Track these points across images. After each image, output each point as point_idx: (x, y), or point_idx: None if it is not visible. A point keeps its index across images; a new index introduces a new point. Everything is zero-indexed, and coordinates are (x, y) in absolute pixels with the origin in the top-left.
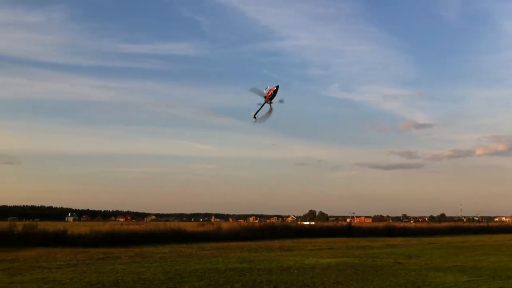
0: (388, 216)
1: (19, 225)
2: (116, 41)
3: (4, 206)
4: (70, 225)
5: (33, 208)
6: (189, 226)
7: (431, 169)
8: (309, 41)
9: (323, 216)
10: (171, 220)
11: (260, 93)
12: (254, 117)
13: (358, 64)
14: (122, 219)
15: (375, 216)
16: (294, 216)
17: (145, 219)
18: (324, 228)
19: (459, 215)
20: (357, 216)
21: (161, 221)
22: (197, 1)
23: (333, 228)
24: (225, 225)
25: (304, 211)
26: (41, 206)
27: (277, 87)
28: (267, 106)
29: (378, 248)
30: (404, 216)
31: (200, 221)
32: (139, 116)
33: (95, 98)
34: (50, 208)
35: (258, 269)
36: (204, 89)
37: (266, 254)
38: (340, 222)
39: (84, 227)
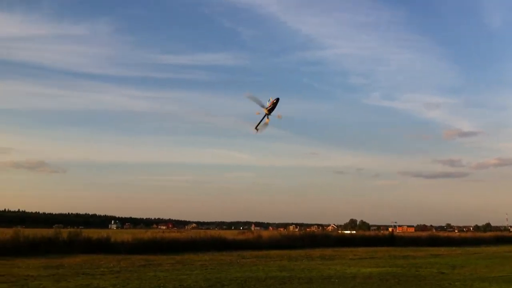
0: (431, 226)
1: (64, 232)
2: (158, 52)
3: (50, 214)
4: (113, 232)
5: (77, 216)
6: (229, 234)
7: (476, 177)
8: (350, 49)
9: (364, 225)
10: (211, 228)
11: (258, 102)
12: (256, 128)
13: (400, 72)
14: (163, 227)
15: (418, 226)
16: (334, 225)
17: (186, 227)
18: (366, 237)
19: (505, 224)
20: (399, 226)
21: (201, 229)
22: (238, 12)
23: (374, 237)
24: (265, 233)
25: (344, 220)
26: (86, 214)
27: (277, 99)
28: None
29: (421, 258)
30: (448, 225)
31: (240, 229)
32: (179, 126)
33: (138, 108)
34: (94, 216)
35: (298, 278)
36: (244, 99)
37: (307, 263)
38: (382, 231)
39: (126, 235)
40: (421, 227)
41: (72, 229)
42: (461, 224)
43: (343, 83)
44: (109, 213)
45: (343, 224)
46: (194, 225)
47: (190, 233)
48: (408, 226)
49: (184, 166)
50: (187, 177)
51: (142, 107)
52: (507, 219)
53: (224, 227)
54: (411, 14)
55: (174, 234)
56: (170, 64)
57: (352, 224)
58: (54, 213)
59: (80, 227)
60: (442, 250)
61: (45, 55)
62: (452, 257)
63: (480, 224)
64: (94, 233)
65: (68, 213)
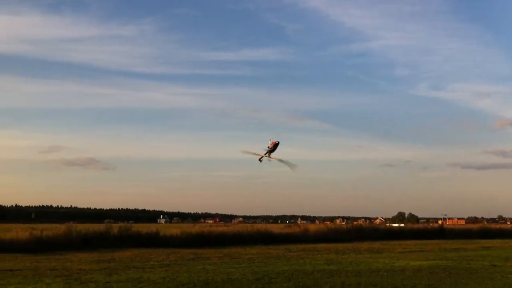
0: (482, 218)
1: (115, 227)
2: (204, 49)
3: (101, 209)
4: (162, 227)
5: (127, 211)
6: (276, 228)
7: None
8: (395, 40)
9: (413, 218)
10: (258, 222)
11: (255, 154)
12: (260, 160)
13: (447, 62)
14: (211, 221)
15: (468, 218)
16: (382, 218)
17: (232, 221)
18: (415, 230)
19: None
20: (449, 218)
21: (248, 223)
22: (282, 7)
23: (424, 230)
24: (311, 227)
25: (392, 213)
26: (135, 209)
27: (278, 143)
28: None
29: (472, 250)
30: (500, 217)
31: (286, 223)
32: (227, 122)
33: (185, 105)
34: (143, 211)
35: (346, 271)
36: (290, 93)
37: (354, 256)
38: (431, 224)
39: (175, 229)
40: (472, 219)
41: (122, 224)
42: None
43: (389, 74)
44: (158, 208)
45: (391, 217)
46: (240, 219)
47: (237, 227)
48: (459, 219)
49: (231, 161)
50: (234, 173)
51: (190, 104)
52: None
53: (271, 221)
54: (459, 2)
55: (221, 228)
56: (217, 60)
57: (400, 217)
58: (104, 209)
59: (130, 222)
60: (494, 242)
61: (95, 56)
62: (505, 249)
63: None
64: (143, 228)
65: (118, 209)
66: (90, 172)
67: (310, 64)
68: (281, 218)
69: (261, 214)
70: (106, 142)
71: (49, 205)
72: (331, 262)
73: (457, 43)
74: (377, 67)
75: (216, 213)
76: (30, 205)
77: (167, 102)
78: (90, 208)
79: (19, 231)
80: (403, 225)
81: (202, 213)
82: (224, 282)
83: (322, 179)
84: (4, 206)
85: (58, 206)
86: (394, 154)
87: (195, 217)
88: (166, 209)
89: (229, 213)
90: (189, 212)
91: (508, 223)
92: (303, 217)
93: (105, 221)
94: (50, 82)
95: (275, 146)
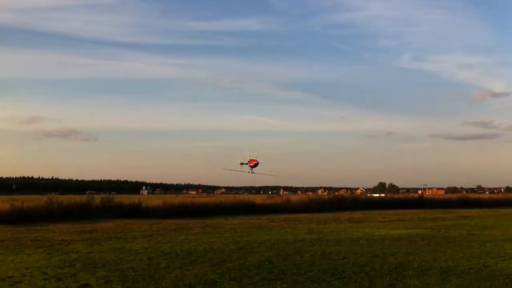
0: (461, 188)
1: (97, 198)
2: (186, 19)
3: (83, 180)
4: (145, 198)
5: (109, 182)
6: (258, 199)
7: (508, 138)
8: (379, 11)
9: (393, 188)
10: (240, 193)
11: (235, 169)
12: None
13: (432, 33)
14: (193, 192)
15: (448, 188)
16: (363, 188)
17: (215, 192)
18: (395, 200)
19: None
20: (429, 188)
21: (230, 193)
22: None
23: (404, 200)
24: (293, 197)
25: (373, 184)
26: (117, 180)
27: (258, 163)
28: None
29: (451, 219)
30: (479, 187)
31: (268, 193)
32: (209, 93)
33: (167, 75)
34: (125, 182)
35: (327, 240)
36: (273, 64)
37: (335, 226)
38: (411, 194)
39: (157, 200)
40: (451, 190)
41: (104, 195)
42: (492, 186)
43: (373, 45)
44: (140, 179)
45: (372, 187)
46: (223, 190)
47: (219, 198)
48: (438, 189)
49: (213, 132)
50: (215, 143)
51: (172, 75)
52: None
53: (253, 191)
54: None
55: (204, 199)
56: (199, 30)
57: (381, 187)
58: (86, 180)
59: (112, 193)
60: (473, 211)
61: (74, 25)
62: (483, 218)
63: (511, 185)
64: (126, 199)
65: (100, 180)
66: (71, 143)
67: (294, 34)
68: (264, 189)
69: (243, 185)
70: (87, 113)
71: (30, 177)
72: (313, 231)
73: (441, 15)
74: (361, 38)
75: (199, 184)
76: (11, 177)
77: (148, 72)
78: (71, 179)
79: (0, 202)
80: (383, 195)
81: (184, 184)
82: (207, 252)
83: (304, 150)
84: None
85: (39, 177)
86: (376, 125)
87: (178, 188)
88: (148, 180)
89: (212, 184)
90: (172, 183)
91: (487, 192)
92: (286, 188)
93: (87, 192)
94: (30, 52)
95: (256, 165)
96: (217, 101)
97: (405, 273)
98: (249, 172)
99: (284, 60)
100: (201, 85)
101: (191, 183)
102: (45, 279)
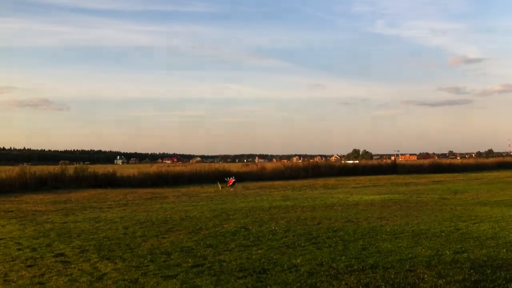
0: (433, 154)
1: (70, 168)
2: None
3: (56, 151)
4: (119, 167)
5: (83, 152)
6: (234, 167)
7: (479, 105)
8: None
9: (367, 155)
10: (216, 161)
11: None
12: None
13: None
14: (168, 161)
15: (420, 154)
16: (337, 155)
17: (190, 161)
18: (368, 166)
19: (507, 150)
20: (402, 154)
21: (206, 162)
22: None
23: (377, 166)
24: (268, 165)
25: (348, 151)
26: (91, 150)
27: (235, 180)
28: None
29: (423, 184)
30: (451, 152)
31: (244, 162)
32: (183, 60)
33: (140, 43)
34: (99, 152)
35: (302, 207)
36: (248, 31)
37: (310, 192)
38: (384, 160)
39: (132, 169)
40: (424, 155)
41: (78, 165)
42: (463, 151)
43: (347, 11)
44: (114, 149)
45: (346, 154)
46: (198, 159)
47: (194, 167)
48: (411, 155)
49: (187, 101)
50: (190, 112)
51: (145, 42)
52: (509, 145)
53: (229, 160)
54: None
55: (179, 167)
56: None
57: (355, 154)
58: (59, 150)
59: (87, 162)
60: (444, 176)
61: None
62: (454, 183)
63: (482, 150)
64: (100, 169)
65: (74, 150)
66: (43, 113)
67: (270, 0)
68: (239, 157)
69: (219, 154)
70: (59, 82)
71: (1, 147)
72: (287, 198)
73: None
74: (335, 4)
75: (174, 154)
76: None
77: (120, 39)
78: (44, 150)
79: None
80: (357, 161)
81: (159, 153)
82: (182, 220)
83: (279, 117)
84: None
85: (10, 148)
86: (350, 92)
87: (153, 158)
88: (123, 150)
89: (187, 153)
90: (147, 152)
91: (458, 158)
92: (261, 156)
93: (60, 162)
94: None
95: (234, 183)
96: (192, 69)
97: (378, 237)
98: (231, 190)
99: (260, 27)
100: (176, 52)
101: (166, 152)
102: (19, 249)
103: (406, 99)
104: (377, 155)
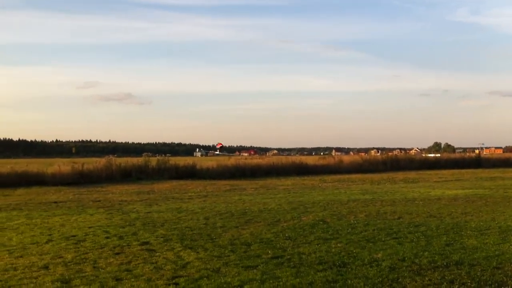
0: None
1: (153, 160)
2: None
3: (139, 143)
4: (198, 160)
5: (164, 144)
6: (310, 160)
7: None
8: None
9: (449, 148)
10: (292, 154)
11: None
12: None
13: None
14: (245, 154)
15: (506, 147)
16: (417, 148)
17: (267, 153)
18: (451, 160)
19: None
20: (486, 147)
21: (282, 155)
22: None
23: (460, 160)
24: (346, 158)
25: (428, 144)
26: (172, 143)
27: (222, 146)
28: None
29: (510, 179)
30: None
31: (321, 155)
32: (257, 53)
33: (215, 37)
34: (179, 144)
35: (381, 200)
36: (323, 22)
37: (389, 186)
38: (468, 154)
39: (211, 162)
40: (510, 149)
41: (160, 157)
42: None
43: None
44: (194, 141)
45: (426, 147)
46: (275, 151)
47: (271, 159)
48: (496, 148)
49: (264, 94)
50: (267, 105)
51: (220, 36)
52: None
53: (305, 153)
54: None
55: (257, 160)
56: None
57: (436, 147)
58: (142, 143)
59: (168, 155)
60: None
61: None
62: None
63: None
64: (180, 161)
65: (156, 143)
66: (126, 107)
67: None
68: (316, 150)
69: (295, 147)
70: (141, 77)
71: (89, 140)
72: (366, 192)
73: None
74: None
75: (251, 146)
76: (70, 140)
77: (196, 34)
78: (128, 142)
79: (61, 165)
80: (439, 155)
81: (236, 146)
82: (261, 212)
83: (356, 110)
84: (46, 142)
85: (97, 140)
86: (431, 83)
87: (230, 150)
88: (201, 142)
89: (264, 146)
90: (224, 145)
91: None
92: (338, 149)
93: (143, 154)
94: (85, 18)
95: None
96: (266, 62)
97: (462, 232)
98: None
99: (335, 18)
100: (249, 46)
101: (243, 145)
102: (107, 237)
103: (491, 89)
104: (460, 148)
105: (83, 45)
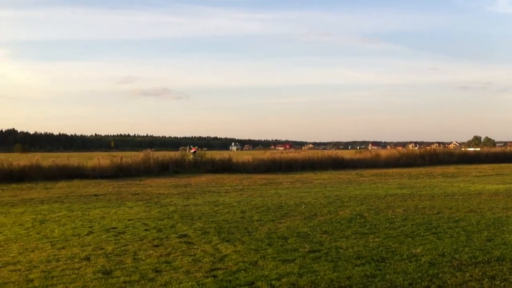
0: None
1: (190, 154)
2: None
3: (176, 137)
4: (234, 153)
5: (200, 138)
6: (346, 154)
7: None
8: None
9: (489, 142)
10: (328, 148)
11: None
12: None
13: None
14: (281, 148)
15: None
16: (456, 142)
17: (303, 147)
18: (491, 154)
19: None
20: None
21: (318, 149)
22: None
23: (501, 154)
24: (383, 152)
25: (468, 137)
26: (208, 137)
27: (195, 151)
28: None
29: None
30: None
31: (357, 149)
32: (295, 47)
33: (252, 31)
34: (215, 138)
35: (419, 195)
36: (359, 15)
37: (428, 181)
38: (509, 148)
39: (247, 156)
40: None
41: (198, 150)
42: None
43: None
44: (229, 135)
45: (466, 141)
46: (310, 145)
47: (307, 153)
48: None
49: (300, 87)
50: (303, 99)
51: (258, 30)
52: None
53: (341, 147)
54: None
55: (292, 154)
56: None
57: (476, 141)
58: (179, 137)
59: (204, 149)
60: None
61: None
62: None
63: None
64: (216, 155)
65: (192, 137)
66: (164, 102)
67: None
68: (351, 144)
69: (331, 141)
70: (178, 71)
71: (127, 134)
72: (404, 186)
73: None
74: None
75: (286, 140)
76: (109, 134)
77: (233, 28)
78: (165, 136)
79: (100, 159)
80: (479, 149)
81: (272, 140)
82: (297, 206)
83: (393, 103)
84: (85, 136)
85: (135, 134)
86: (470, 76)
87: (266, 144)
88: (237, 136)
89: (299, 140)
90: (260, 139)
91: None
92: (374, 143)
93: (180, 148)
94: (123, 13)
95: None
96: (303, 55)
97: (504, 228)
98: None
99: (371, 10)
100: (286, 39)
101: (278, 139)
102: (146, 230)
103: None
104: (501, 142)
105: (122, 40)
